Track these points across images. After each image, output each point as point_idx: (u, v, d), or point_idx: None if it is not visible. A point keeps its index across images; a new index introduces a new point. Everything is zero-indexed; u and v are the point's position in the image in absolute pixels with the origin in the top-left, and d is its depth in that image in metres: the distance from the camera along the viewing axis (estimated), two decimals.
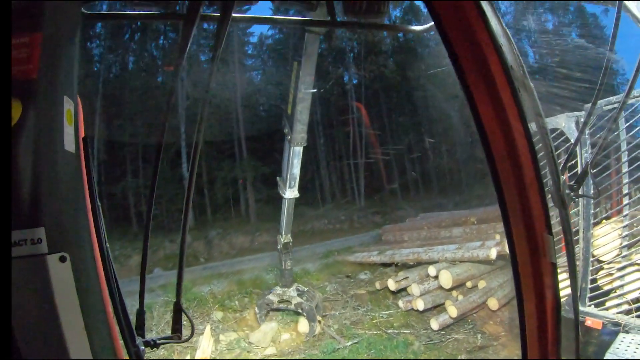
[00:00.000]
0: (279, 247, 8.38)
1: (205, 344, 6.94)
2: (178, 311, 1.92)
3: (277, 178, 8.20)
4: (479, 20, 1.46)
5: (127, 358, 1.68)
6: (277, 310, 8.45)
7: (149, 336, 1.89)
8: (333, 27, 5.66)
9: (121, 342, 1.67)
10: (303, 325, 8.08)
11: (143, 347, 1.78)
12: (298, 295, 8.17)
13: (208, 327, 7.60)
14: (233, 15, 1.84)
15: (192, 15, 1.74)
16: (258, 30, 27.60)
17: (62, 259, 1.32)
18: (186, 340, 2.03)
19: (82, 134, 1.61)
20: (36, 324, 1.29)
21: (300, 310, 8.07)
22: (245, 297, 9.77)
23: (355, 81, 27.18)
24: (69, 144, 1.45)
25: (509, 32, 1.63)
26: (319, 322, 8.08)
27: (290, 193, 7.89)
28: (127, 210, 20.00)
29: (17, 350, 1.25)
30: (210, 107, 22.50)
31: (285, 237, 8.31)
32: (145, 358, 1.79)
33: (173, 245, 16.63)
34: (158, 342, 1.88)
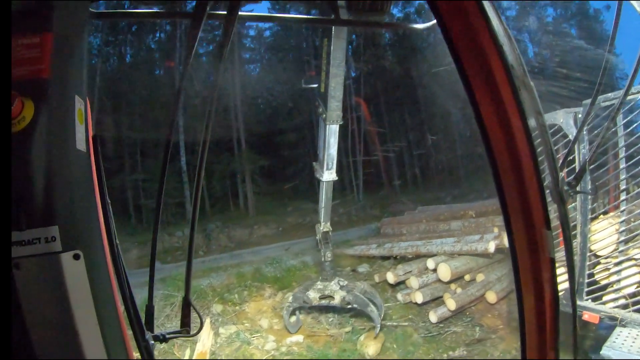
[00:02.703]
0: (317, 237, 8.04)
1: (204, 337, 6.95)
2: (187, 306, 1.94)
3: (313, 163, 7.90)
4: (481, 20, 1.46)
5: (138, 353, 1.70)
6: (319, 309, 7.74)
7: (157, 330, 1.91)
8: (336, 25, 5.61)
9: (131, 337, 1.69)
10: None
11: (152, 342, 1.80)
12: (341, 289, 7.47)
13: (208, 320, 7.63)
14: (239, 13, 1.84)
15: (199, 14, 1.73)
16: (257, 23, 27.55)
17: (76, 257, 1.34)
18: (195, 335, 2.04)
19: (91, 132, 1.62)
20: (51, 321, 1.31)
21: (348, 306, 7.38)
22: (245, 290, 9.80)
23: (353, 74, 27.07)
24: (80, 143, 1.47)
25: (510, 32, 1.63)
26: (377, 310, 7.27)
27: (329, 175, 7.57)
28: (125, 204, 19.98)
29: (31, 348, 1.26)
30: (210, 99, 22.44)
31: (324, 226, 7.93)
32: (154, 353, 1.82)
33: (172, 238, 16.66)
34: (167, 336, 1.90)
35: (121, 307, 1.63)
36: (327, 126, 7.12)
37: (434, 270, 8.46)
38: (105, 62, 22.58)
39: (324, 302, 7.47)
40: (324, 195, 7.78)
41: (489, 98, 1.54)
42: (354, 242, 13.49)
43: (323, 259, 7.88)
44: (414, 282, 8.53)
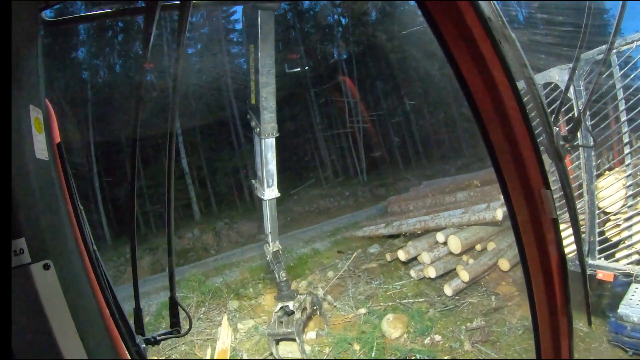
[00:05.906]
0: (268, 257, 7.34)
1: (224, 334, 7.02)
2: (174, 305, 1.93)
3: (253, 181, 7.24)
4: None
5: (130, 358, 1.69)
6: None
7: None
8: None
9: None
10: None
11: (144, 345, 1.79)
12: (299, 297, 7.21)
13: (225, 318, 7.67)
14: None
15: (153, 7, 1.68)
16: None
17: (46, 267, 1.32)
18: (186, 334, 2.04)
19: (57, 140, 1.59)
20: (28, 334, 1.29)
21: (315, 307, 7.47)
22: (259, 283, 9.85)
23: (345, 56, 26.86)
24: (41, 152, 1.44)
25: None
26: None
27: (270, 193, 6.96)
28: (131, 211, 20.01)
29: None
30: (205, 97, 22.39)
31: (273, 245, 7.31)
32: (148, 356, 1.81)
33: (182, 241, 16.74)
34: (158, 338, 1.89)
35: (108, 314, 1.62)
36: (263, 140, 6.59)
37: (444, 243, 8.43)
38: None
39: (304, 316, 7.10)
40: (269, 214, 7.19)
41: (468, 54, 1.46)
42: (363, 223, 13.50)
43: (278, 280, 7.22)
44: (425, 257, 8.52)
